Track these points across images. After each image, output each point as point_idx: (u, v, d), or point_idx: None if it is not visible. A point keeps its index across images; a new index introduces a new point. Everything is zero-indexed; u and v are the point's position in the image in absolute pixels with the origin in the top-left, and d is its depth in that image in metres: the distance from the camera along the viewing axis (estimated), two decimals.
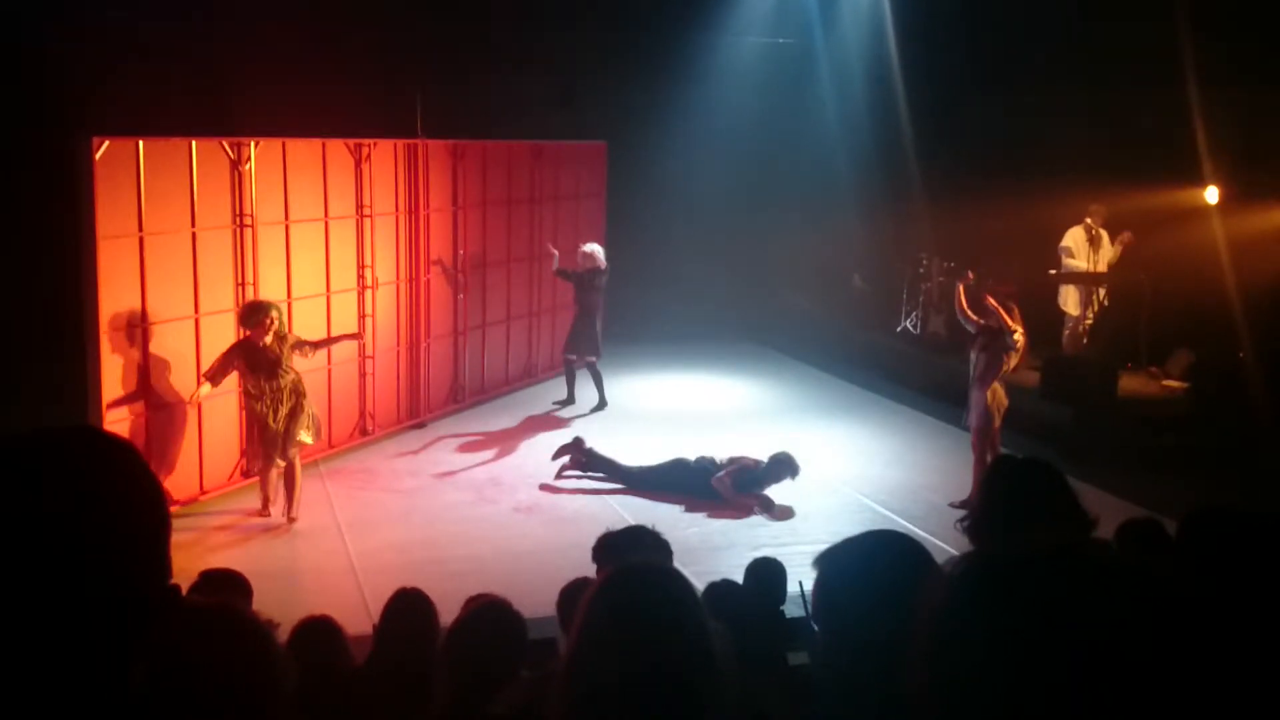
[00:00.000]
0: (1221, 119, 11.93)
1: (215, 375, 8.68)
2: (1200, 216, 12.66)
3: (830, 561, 2.21)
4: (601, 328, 12.34)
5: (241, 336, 8.84)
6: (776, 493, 9.64)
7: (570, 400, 12.51)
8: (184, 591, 3.86)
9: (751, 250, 16.65)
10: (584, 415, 12.23)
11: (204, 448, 9.38)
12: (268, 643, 2.27)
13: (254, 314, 8.65)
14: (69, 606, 1.09)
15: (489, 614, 3.59)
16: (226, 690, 2.14)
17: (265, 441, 8.76)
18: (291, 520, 8.90)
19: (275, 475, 8.94)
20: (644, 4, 14.81)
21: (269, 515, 9.00)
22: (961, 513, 3.35)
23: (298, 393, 8.81)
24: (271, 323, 8.61)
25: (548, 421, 12.00)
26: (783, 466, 9.59)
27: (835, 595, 2.18)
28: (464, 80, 12.92)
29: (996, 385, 9.27)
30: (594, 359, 12.26)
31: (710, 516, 9.36)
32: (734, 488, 9.57)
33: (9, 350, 9.21)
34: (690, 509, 9.51)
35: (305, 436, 8.89)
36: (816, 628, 2.25)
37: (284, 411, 8.73)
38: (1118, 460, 10.28)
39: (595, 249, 12.31)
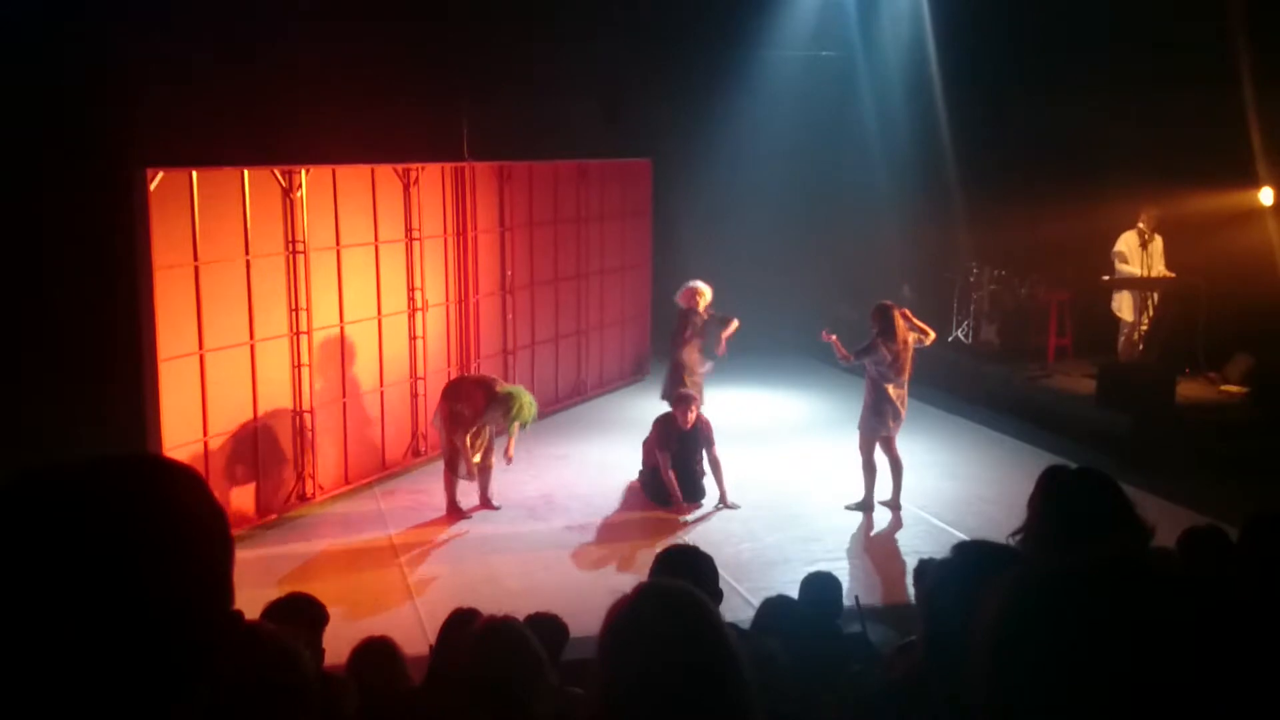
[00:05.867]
0: (1277, 118, 11.73)
1: None
2: (1256, 218, 12.45)
3: (932, 572, 2.25)
4: (677, 369, 11.39)
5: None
6: (841, 516, 9.57)
7: None
8: (258, 615, 3.89)
9: (800, 263, 16.58)
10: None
11: (261, 472, 9.50)
12: (306, 669, 2.30)
13: None
14: (131, 634, 1.11)
15: (488, 637, 3.58)
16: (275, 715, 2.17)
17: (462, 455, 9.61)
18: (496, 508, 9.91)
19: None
20: (686, 21, 14.84)
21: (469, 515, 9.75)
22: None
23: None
24: None
25: (598, 439, 12.00)
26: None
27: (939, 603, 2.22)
28: (509, 101, 12.99)
29: (889, 389, 9.64)
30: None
31: (764, 532, 9.32)
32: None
33: (69, 381, 9.37)
34: (744, 525, 9.49)
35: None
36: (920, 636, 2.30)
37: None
38: (1177, 468, 10.11)
39: (690, 286, 11.50)
